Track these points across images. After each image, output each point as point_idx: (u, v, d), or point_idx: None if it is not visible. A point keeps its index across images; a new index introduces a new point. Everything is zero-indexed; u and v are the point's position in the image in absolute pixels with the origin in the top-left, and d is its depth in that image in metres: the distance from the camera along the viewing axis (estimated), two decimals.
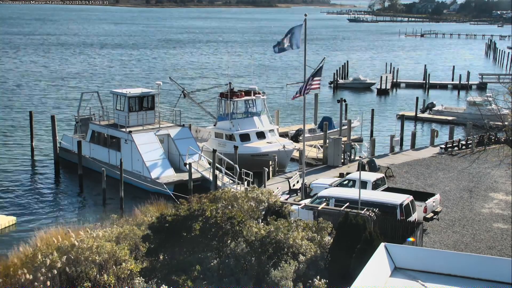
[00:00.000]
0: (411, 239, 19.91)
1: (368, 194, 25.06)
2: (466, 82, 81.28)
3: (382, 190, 28.02)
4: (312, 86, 28.98)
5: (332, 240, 16.88)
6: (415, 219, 24.60)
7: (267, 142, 41.01)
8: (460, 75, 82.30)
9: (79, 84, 79.60)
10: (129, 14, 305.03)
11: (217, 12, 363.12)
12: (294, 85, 63.98)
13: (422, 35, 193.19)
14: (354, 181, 29.10)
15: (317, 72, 28.94)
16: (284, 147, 39.90)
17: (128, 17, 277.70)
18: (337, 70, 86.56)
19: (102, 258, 17.72)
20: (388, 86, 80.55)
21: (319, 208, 24.39)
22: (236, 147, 37.81)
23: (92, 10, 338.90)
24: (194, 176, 35.49)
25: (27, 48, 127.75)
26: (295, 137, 46.68)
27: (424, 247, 21.28)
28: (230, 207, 18.42)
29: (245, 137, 41.15)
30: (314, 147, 44.03)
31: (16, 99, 67.96)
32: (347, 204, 24.13)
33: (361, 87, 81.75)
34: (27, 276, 17.44)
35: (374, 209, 22.85)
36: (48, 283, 17.24)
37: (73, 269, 17.69)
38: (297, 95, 29.71)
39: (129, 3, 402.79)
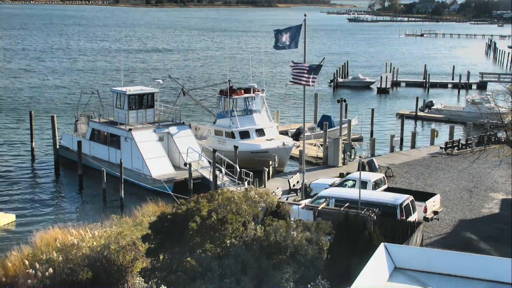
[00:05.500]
0: None
1: (368, 194, 25.06)
2: (466, 81, 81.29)
3: (382, 190, 28.01)
4: (310, 82, 28.50)
5: (332, 240, 16.87)
6: (415, 219, 24.59)
7: (267, 139, 40.96)
8: (460, 75, 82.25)
9: (79, 83, 79.53)
10: (128, 15, 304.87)
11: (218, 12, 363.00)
12: (294, 85, 63.73)
13: (422, 35, 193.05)
14: (354, 181, 29.06)
15: (316, 70, 28.68)
16: (283, 144, 39.84)
17: (127, 18, 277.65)
18: (337, 70, 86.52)
19: (101, 256, 17.72)
20: (388, 85, 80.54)
21: (319, 208, 24.37)
22: (236, 147, 37.73)
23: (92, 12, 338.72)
24: (194, 174, 35.45)
25: (27, 48, 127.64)
26: (296, 136, 46.65)
27: (424, 247, 21.27)
28: (228, 207, 18.38)
29: (244, 134, 41.09)
30: (314, 145, 44.03)
31: (16, 99, 67.88)
32: (347, 204, 24.12)
33: (361, 86, 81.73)
34: (28, 273, 17.44)
35: (374, 209, 22.84)
36: (48, 281, 17.25)
37: (72, 267, 17.69)
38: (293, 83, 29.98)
39: (128, 3, 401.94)
